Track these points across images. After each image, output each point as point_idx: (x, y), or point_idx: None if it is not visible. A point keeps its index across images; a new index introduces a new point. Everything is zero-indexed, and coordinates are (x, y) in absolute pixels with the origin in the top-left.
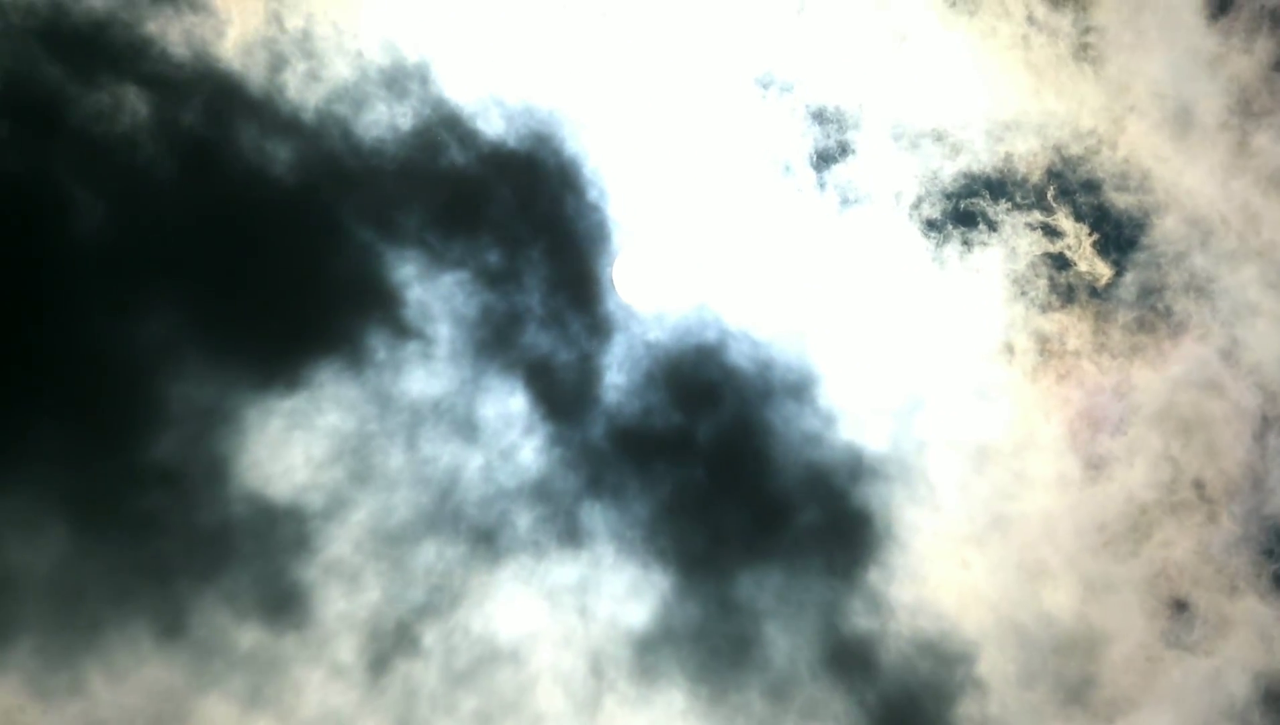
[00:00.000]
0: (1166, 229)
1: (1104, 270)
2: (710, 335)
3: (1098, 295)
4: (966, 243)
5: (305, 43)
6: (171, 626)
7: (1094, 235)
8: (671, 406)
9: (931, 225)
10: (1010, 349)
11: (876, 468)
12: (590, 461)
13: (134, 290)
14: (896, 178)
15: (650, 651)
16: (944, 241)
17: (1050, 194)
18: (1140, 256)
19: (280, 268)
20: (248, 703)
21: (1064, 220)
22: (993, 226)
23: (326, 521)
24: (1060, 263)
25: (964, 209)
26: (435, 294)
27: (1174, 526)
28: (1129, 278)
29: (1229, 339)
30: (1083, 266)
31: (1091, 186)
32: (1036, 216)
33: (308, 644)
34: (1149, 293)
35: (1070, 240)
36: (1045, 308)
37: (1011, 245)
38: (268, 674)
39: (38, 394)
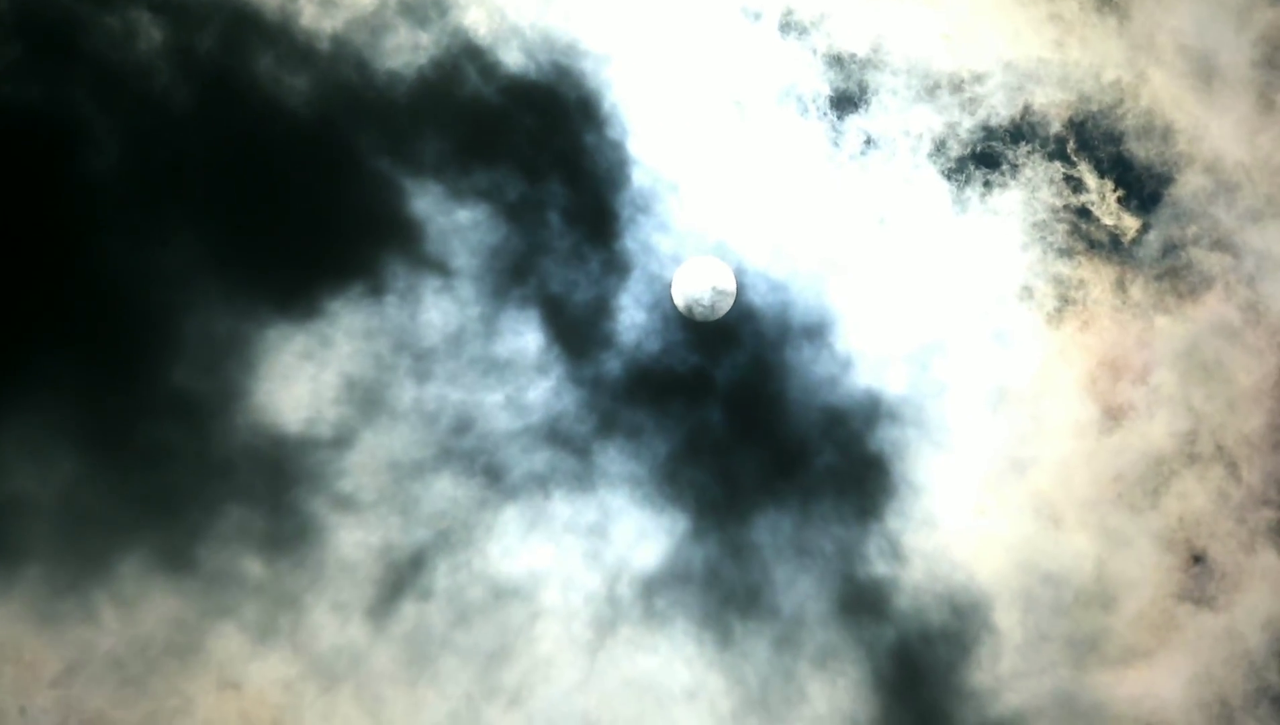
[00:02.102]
0: (1190, 183)
1: (1130, 223)
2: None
3: (1121, 247)
4: (987, 185)
5: None
6: (182, 557)
7: (1118, 189)
8: (688, 347)
9: (952, 170)
10: (1031, 294)
11: (893, 411)
12: (604, 401)
13: (148, 218)
14: (916, 123)
15: (659, 594)
16: (964, 185)
17: (1071, 145)
18: (1164, 210)
19: (295, 198)
20: (259, 635)
21: (1087, 173)
22: (1014, 173)
23: (338, 455)
24: (1083, 214)
25: (985, 155)
26: (451, 228)
27: (1193, 479)
28: (1152, 230)
29: (1253, 294)
30: (1107, 220)
31: (1114, 139)
32: (1059, 167)
33: (319, 577)
34: (1173, 247)
35: (1094, 194)
36: (1067, 254)
37: (1033, 191)
38: (279, 606)
39: (50, 321)
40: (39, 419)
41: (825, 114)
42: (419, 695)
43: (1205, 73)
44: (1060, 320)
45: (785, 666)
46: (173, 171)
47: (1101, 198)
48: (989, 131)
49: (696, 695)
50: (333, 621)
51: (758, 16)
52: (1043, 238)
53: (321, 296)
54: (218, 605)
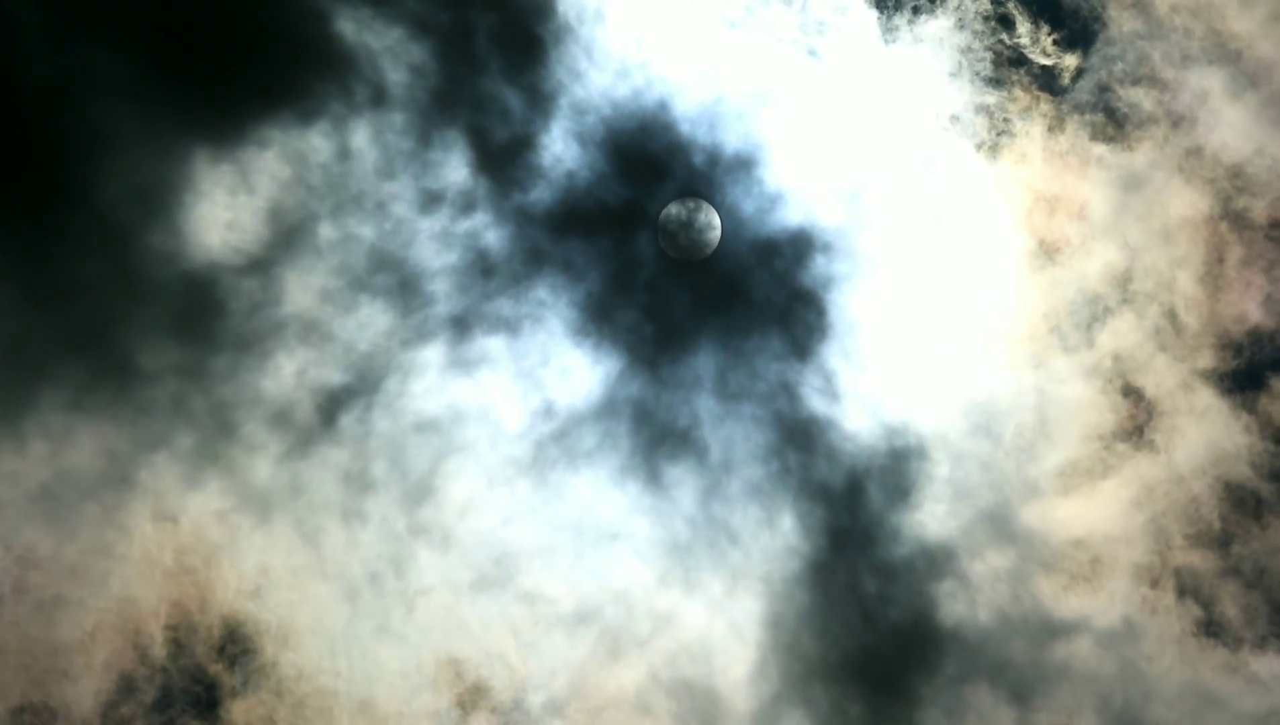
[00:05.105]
0: (1124, 23)
1: (1069, 62)
2: (659, 107)
3: (1056, 83)
4: (916, 11)
5: None
6: (110, 388)
7: (1053, 31)
8: (618, 179)
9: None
10: (965, 126)
11: (826, 244)
12: (533, 234)
13: (68, 43)
14: None
15: (588, 434)
16: (894, 12)
17: None
18: (1099, 49)
19: (220, 19)
20: (193, 467)
21: (1017, 11)
22: (943, 3)
23: (266, 285)
24: (1017, 49)
25: None
26: (378, 53)
27: (1130, 316)
28: (1088, 67)
29: (1187, 136)
30: (1043, 59)
31: None
32: (987, 4)
33: (250, 410)
34: (1107, 85)
35: (1025, 38)
36: (1000, 84)
37: (963, 22)
38: (215, 436)
39: None
40: None
41: None
42: (353, 533)
43: None
44: (996, 153)
45: (716, 508)
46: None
47: (1034, 41)
48: None
49: (623, 536)
50: (264, 456)
51: None
52: (974, 68)
53: (248, 123)
54: (149, 437)
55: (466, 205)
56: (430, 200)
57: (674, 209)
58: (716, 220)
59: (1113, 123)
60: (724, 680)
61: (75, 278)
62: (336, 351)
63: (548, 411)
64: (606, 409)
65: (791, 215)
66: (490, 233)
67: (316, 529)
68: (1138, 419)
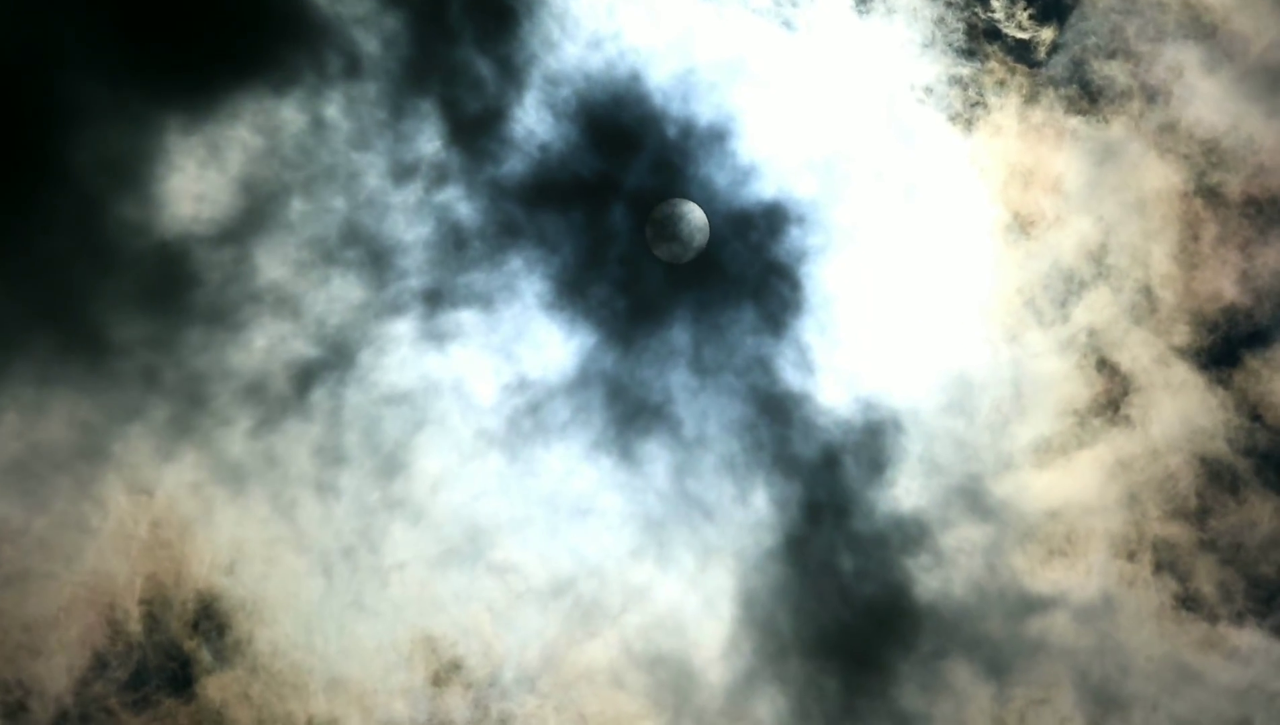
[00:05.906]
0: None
1: (1045, 35)
2: (631, 79)
3: (1031, 57)
4: None
5: None
6: (84, 361)
7: (1029, 7)
8: (592, 151)
9: None
10: (940, 100)
11: (799, 216)
12: (507, 207)
13: (41, 13)
14: None
15: (563, 408)
16: None
17: None
18: (1074, 25)
19: None
20: (168, 437)
21: None
22: None
23: (239, 257)
24: (993, 23)
25: None
26: (350, 23)
27: (1105, 291)
28: (1064, 42)
29: (1162, 111)
30: (1019, 33)
31: None
32: None
33: (226, 378)
34: (1083, 60)
35: (1000, 13)
36: (974, 56)
37: None
38: (188, 408)
39: None
40: None
41: None
42: (326, 507)
43: None
44: (970, 126)
45: (690, 482)
46: None
47: (1009, 15)
48: None
49: (596, 510)
50: (237, 428)
51: None
52: (948, 40)
53: (220, 94)
54: (122, 409)
55: (439, 177)
56: (403, 172)
57: (665, 211)
58: (705, 226)
59: (1087, 96)
60: (697, 654)
61: (46, 249)
62: (309, 324)
63: (521, 385)
64: (580, 383)
65: (765, 188)
66: (463, 205)
67: (290, 502)
68: (1113, 394)
